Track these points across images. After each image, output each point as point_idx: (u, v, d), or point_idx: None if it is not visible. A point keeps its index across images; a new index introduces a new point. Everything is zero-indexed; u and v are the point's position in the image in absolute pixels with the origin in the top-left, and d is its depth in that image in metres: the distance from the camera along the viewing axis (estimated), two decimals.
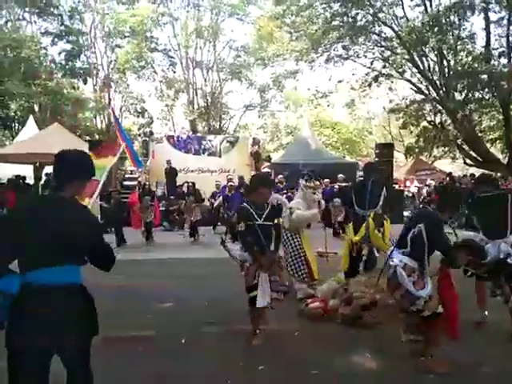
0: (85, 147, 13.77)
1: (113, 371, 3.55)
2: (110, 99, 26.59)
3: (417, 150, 19.31)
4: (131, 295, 5.73)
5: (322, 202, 5.71)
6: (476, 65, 15.99)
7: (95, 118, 26.58)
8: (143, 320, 4.74)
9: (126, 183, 14.63)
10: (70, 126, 20.59)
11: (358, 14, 17.29)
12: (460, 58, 16.50)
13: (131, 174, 15.61)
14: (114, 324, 4.60)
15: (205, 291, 5.69)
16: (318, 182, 6.18)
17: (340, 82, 21.09)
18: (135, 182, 12.86)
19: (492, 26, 16.31)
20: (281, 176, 13.10)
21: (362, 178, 5.55)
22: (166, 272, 7.08)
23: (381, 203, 4.80)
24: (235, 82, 28.54)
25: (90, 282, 6.60)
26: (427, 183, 15.57)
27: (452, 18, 16.15)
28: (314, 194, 5.71)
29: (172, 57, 27.53)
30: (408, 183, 17.20)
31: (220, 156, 16.12)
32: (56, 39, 25.62)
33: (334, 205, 10.55)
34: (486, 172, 17.66)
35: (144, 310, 5.07)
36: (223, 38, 27.56)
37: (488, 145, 17.80)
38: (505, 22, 15.96)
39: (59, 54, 25.93)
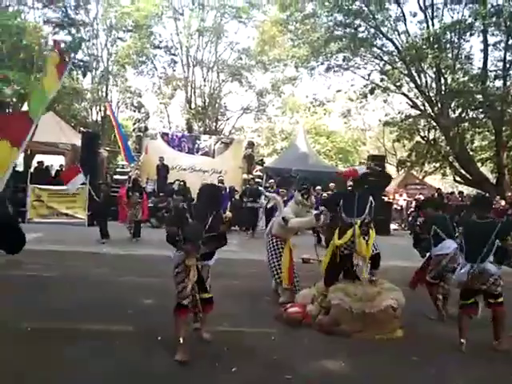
0: (78, 138, 13.78)
1: (85, 364, 3.56)
2: (107, 92, 26.50)
3: (408, 164, 19.51)
4: (112, 289, 5.73)
5: (322, 216, 5.74)
6: (472, 85, 16.23)
7: (91, 109, 26.44)
8: (122, 315, 4.74)
9: (116, 177, 14.57)
10: (66, 116, 20.51)
11: (360, 25, 17.48)
12: (457, 76, 16.74)
13: (123, 168, 15.54)
14: (91, 317, 4.61)
15: None
16: (314, 200, 6.22)
17: (338, 91, 21.27)
18: (126, 177, 12.81)
19: (490, 49, 16.60)
20: (272, 180, 13.16)
21: (350, 187, 5.61)
22: (149, 268, 7.07)
23: (367, 212, 4.86)
24: (234, 84, 28.63)
25: (73, 273, 6.60)
26: (416, 197, 15.70)
27: (451, 36, 16.41)
28: (308, 212, 5.77)
29: (174, 54, 27.53)
30: (397, 196, 17.33)
31: (213, 157, 16.11)
32: (57, 28, 25.45)
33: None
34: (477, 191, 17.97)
35: (124, 305, 5.06)
36: (225, 40, 27.65)
37: (479, 164, 18.03)
38: (502, 45, 16.24)
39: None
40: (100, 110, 26.16)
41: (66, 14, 25.10)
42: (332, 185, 12.87)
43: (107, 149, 18.54)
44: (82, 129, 16.34)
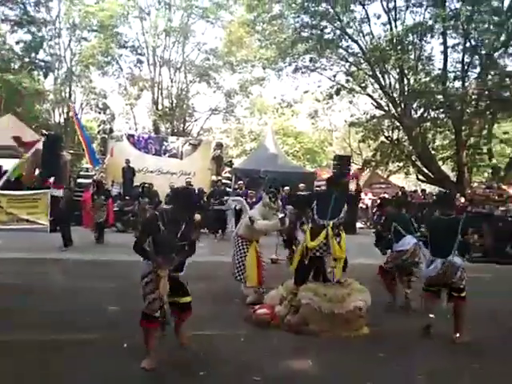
0: (39, 141, 13.26)
1: (50, 374, 3.44)
2: (70, 94, 25.76)
3: (373, 164, 19.93)
4: (77, 297, 5.56)
5: (287, 219, 5.89)
6: (433, 85, 16.79)
7: (53, 110, 25.64)
8: (86, 322, 4.59)
9: (80, 181, 14.15)
10: (27, 118, 19.76)
11: (326, 27, 17.75)
12: (419, 77, 17.28)
13: (87, 171, 15.12)
14: (55, 326, 4.45)
15: None
16: (280, 203, 6.27)
17: (306, 92, 21.51)
18: (90, 180, 12.46)
19: (449, 51, 17.23)
20: (241, 182, 13.15)
21: (324, 189, 5.73)
22: (115, 274, 6.90)
23: (342, 215, 4.90)
24: (202, 85, 28.46)
25: (36, 281, 6.34)
26: (381, 196, 16.09)
27: (413, 38, 16.93)
28: (275, 214, 5.80)
29: (140, 54, 27.06)
30: (363, 195, 17.67)
31: (181, 158, 15.91)
32: (16, 27, 24.49)
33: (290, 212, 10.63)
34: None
35: (88, 313, 4.90)
36: (193, 40, 27.43)
37: (440, 163, 18.66)
38: (461, 47, 16.89)
39: (17, 43, 24.81)
40: (63, 112, 25.39)
41: (25, 11, 24.20)
42: (302, 185, 12.98)
43: (70, 152, 17.99)
44: (43, 131, 15.78)
